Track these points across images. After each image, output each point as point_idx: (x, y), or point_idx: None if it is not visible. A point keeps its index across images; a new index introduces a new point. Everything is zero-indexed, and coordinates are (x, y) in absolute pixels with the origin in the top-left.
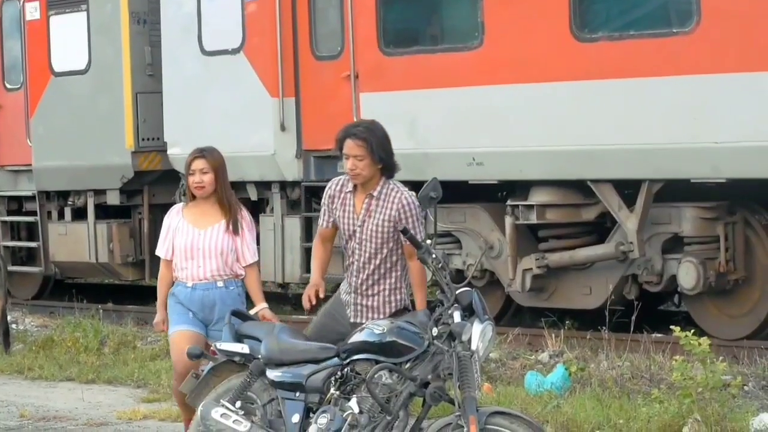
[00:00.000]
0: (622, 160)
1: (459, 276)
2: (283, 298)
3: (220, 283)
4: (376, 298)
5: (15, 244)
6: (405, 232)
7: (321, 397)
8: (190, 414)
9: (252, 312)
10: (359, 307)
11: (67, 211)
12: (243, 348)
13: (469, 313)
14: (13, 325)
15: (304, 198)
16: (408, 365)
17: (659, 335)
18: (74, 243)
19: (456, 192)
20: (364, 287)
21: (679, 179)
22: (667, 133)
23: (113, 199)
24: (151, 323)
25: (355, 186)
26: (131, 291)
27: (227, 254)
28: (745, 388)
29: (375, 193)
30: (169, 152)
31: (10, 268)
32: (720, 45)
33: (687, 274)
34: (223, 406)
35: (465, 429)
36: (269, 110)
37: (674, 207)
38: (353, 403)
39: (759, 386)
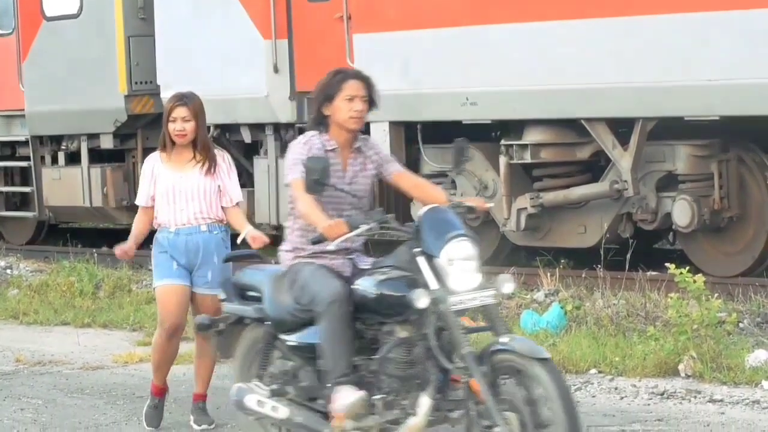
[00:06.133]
0: (615, 99)
1: None
2: (277, 240)
3: (203, 227)
4: None
5: (9, 189)
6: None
7: None
8: (162, 376)
9: (239, 240)
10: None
11: (61, 156)
12: (248, 311)
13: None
14: (8, 270)
15: None
16: (414, 316)
17: (654, 273)
18: (68, 187)
19: (450, 132)
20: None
21: (673, 117)
22: (661, 71)
23: (107, 143)
24: (146, 267)
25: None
26: (126, 235)
27: (210, 196)
28: (740, 325)
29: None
30: (162, 95)
31: (4, 213)
32: None
33: (681, 211)
34: (255, 391)
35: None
36: (262, 52)
37: (668, 145)
38: (378, 366)
39: (754, 323)
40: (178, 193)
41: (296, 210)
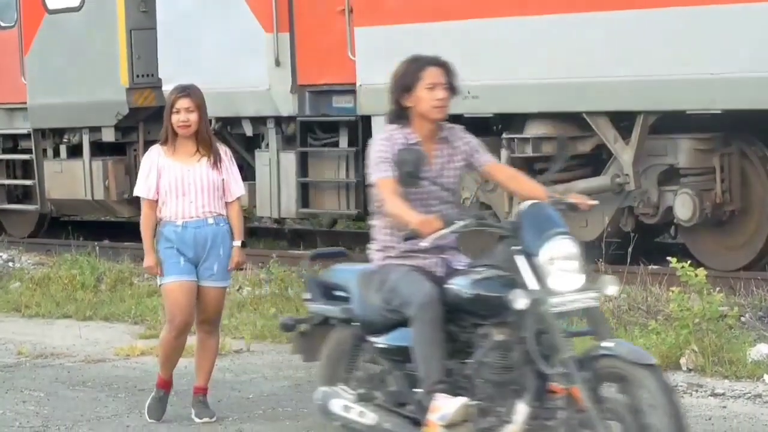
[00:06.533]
0: (617, 92)
1: None
2: (279, 233)
3: (210, 220)
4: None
5: (11, 182)
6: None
7: None
8: (169, 370)
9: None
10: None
11: (63, 149)
12: (335, 312)
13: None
14: (10, 263)
15: (300, 133)
16: (511, 318)
17: (656, 267)
18: (70, 180)
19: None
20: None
21: (675, 111)
22: (663, 65)
23: (108, 136)
24: None
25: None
26: (127, 228)
27: (216, 189)
28: (742, 318)
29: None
30: (163, 89)
31: (6, 206)
32: None
33: (683, 205)
34: (341, 395)
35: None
36: (264, 46)
37: (670, 139)
38: (475, 371)
39: (756, 317)
40: (187, 186)
41: (384, 210)
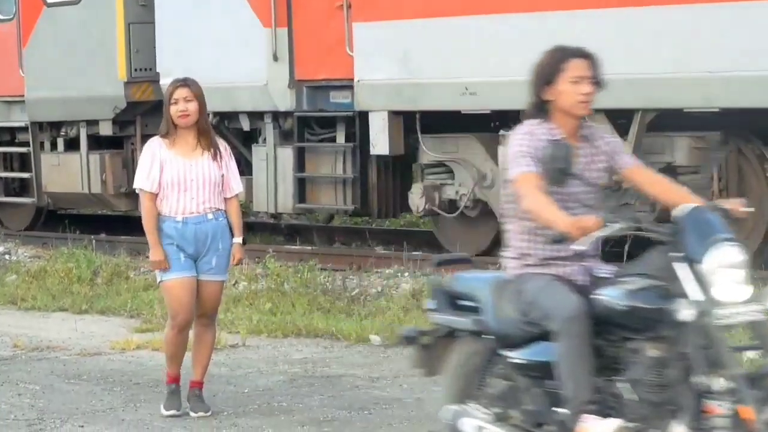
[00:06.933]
0: (614, 90)
1: (451, 206)
2: (275, 228)
3: (210, 216)
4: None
5: (8, 175)
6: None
7: None
8: (177, 366)
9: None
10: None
11: (60, 142)
12: (465, 323)
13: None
14: (6, 256)
15: (297, 128)
16: (667, 332)
17: None
18: (67, 174)
19: (449, 122)
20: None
21: (672, 109)
22: (660, 63)
23: (106, 129)
24: (144, 254)
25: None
26: (124, 221)
27: (217, 184)
28: None
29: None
30: (161, 83)
31: (3, 199)
32: None
33: None
34: (472, 414)
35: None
36: (262, 40)
37: (667, 137)
38: (626, 389)
39: None
40: (189, 182)
41: (524, 208)
